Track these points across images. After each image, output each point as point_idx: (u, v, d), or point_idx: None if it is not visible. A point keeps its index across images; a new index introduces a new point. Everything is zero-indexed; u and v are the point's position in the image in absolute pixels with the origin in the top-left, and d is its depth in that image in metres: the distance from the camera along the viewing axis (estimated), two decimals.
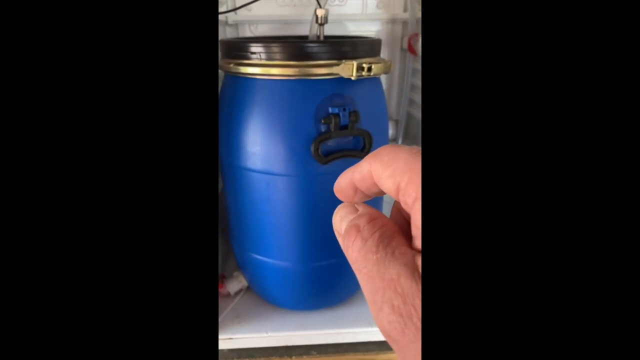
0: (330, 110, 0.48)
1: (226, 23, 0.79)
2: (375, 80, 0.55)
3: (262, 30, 0.82)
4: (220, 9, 0.77)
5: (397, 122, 0.85)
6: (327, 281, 0.62)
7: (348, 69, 0.47)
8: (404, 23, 0.81)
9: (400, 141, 0.83)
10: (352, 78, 0.47)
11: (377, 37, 0.77)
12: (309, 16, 0.80)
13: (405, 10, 0.79)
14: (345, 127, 0.49)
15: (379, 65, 0.48)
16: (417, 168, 0.13)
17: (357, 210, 0.16)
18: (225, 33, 0.80)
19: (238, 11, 0.78)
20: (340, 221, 0.16)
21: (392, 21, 0.81)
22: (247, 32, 0.81)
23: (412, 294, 0.12)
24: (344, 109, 0.48)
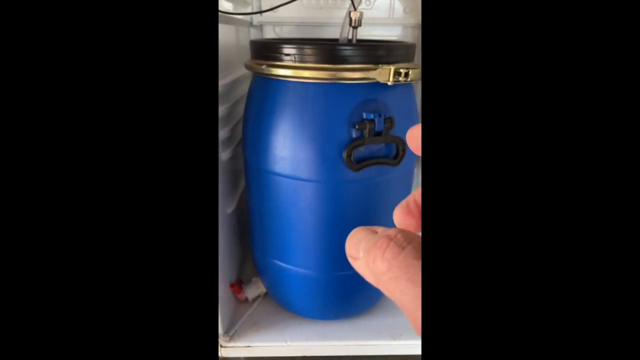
0: (364, 115, 0.47)
1: (251, 24, 0.78)
2: (409, 86, 0.53)
3: (287, 32, 0.81)
4: (246, 10, 0.77)
5: None
6: (349, 291, 0.60)
7: (385, 74, 0.45)
8: None
9: None
10: (389, 83, 0.45)
11: (401, 41, 0.75)
12: (335, 19, 0.79)
13: None
14: (379, 134, 0.47)
15: (416, 71, 0.46)
16: None
17: (376, 232, 0.15)
18: (249, 34, 0.79)
19: (263, 12, 0.78)
20: (357, 244, 0.15)
21: (419, 26, 0.80)
22: (272, 34, 0.81)
23: None
24: (380, 115, 0.46)
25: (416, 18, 0.79)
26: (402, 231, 0.14)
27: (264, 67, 0.49)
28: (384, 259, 0.13)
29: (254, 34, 0.81)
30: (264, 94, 0.51)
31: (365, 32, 0.80)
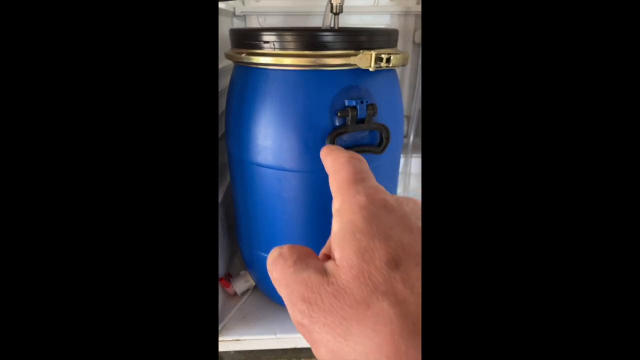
0: (346, 103, 0.46)
1: (234, 14, 0.77)
2: (392, 72, 0.52)
3: (271, 22, 0.79)
4: None
5: (408, 118, 0.82)
6: None
7: (366, 60, 0.44)
8: (417, 16, 0.79)
9: (411, 138, 0.81)
10: (370, 69, 0.44)
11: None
12: (318, 8, 0.77)
13: (418, 2, 0.77)
14: (362, 121, 0.47)
15: (398, 56, 0.45)
16: (346, 179, 0.17)
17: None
18: (232, 24, 0.78)
19: (246, 2, 0.76)
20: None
21: (405, 14, 0.79)
22: (255, 24, 0.79)
23: (319, 284, 0.14)
24: (362, 102, 0.46)
25: (402, 5, 0.78)
26: (290, 247, 0.17)
27: (243, 55, 0.48)
28: (275, 271, 0.16)
29: (238, 24, 0.79)
30: (245, 83, 0.50)
31: (354, 21, 0.79)
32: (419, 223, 0.15)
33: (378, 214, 0.15)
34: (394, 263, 0.13)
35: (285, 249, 0.16)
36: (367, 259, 0.13)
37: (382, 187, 0.17)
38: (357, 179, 0.17)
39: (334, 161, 0.19)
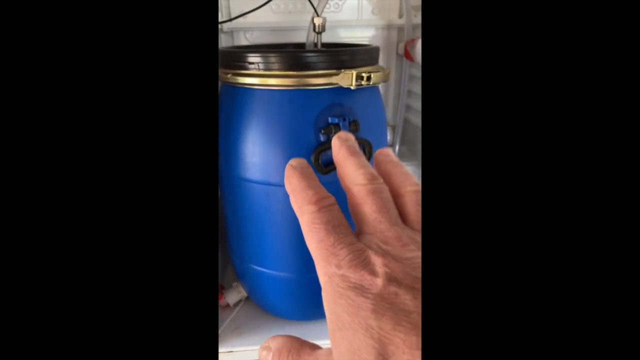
0: (330, 120, 0.48)
1: (221, 30, 0.78)
2: (374, 88, 0.54)
3: (257, 37, 0.81)
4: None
5: (394, 127, 0.84)
6: None
7: (347, 79, 0.46)
8: (400, 29, 0.81)
9: (397, 147, 0.83)
10: (352, 88, 0.46)
11: (372, 43, 0.76)
12: (305, 23, 0.79)
13: (400, 16, 0.79)
14: None
15: (378, 74, 0.47)
16: (318, 249, 0.17)
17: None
18: (220, 41, 0.79)
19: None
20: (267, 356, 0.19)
21: (388, 27, 0.81)
22: (243, 40, 0.81)
23: None
24: (344, 119, 0.47)
25: (385, 19, 0.80)
26: (271, 341, 0.18)
27: (229, 76, 0.49)
28: None
29: (226, 41, 0.81)
30: (232, 103, 0.52)
31: (340, 35, 0.81)
32: (404, 298, 0.14)
33: (356, 302, 0.15)
34: (382, 357, 0.13)
35: (274, 355, 0.17)
36: (357, 358, 0.14)
37: (355, 256, 0.16)
38: (329, 247, 0.17)
39: (300, 210, 0.18)
